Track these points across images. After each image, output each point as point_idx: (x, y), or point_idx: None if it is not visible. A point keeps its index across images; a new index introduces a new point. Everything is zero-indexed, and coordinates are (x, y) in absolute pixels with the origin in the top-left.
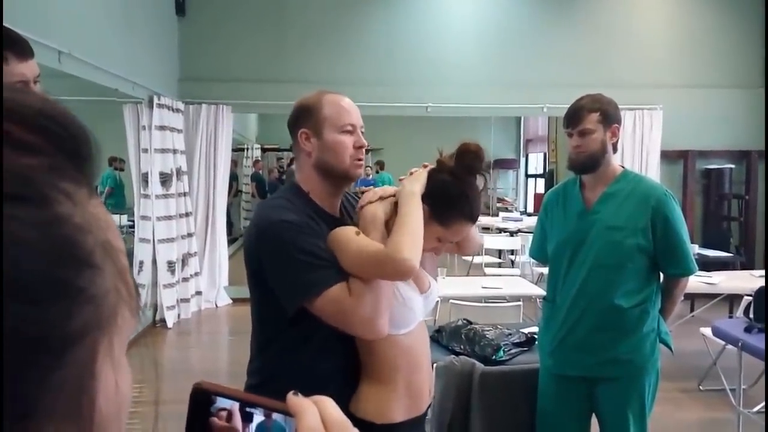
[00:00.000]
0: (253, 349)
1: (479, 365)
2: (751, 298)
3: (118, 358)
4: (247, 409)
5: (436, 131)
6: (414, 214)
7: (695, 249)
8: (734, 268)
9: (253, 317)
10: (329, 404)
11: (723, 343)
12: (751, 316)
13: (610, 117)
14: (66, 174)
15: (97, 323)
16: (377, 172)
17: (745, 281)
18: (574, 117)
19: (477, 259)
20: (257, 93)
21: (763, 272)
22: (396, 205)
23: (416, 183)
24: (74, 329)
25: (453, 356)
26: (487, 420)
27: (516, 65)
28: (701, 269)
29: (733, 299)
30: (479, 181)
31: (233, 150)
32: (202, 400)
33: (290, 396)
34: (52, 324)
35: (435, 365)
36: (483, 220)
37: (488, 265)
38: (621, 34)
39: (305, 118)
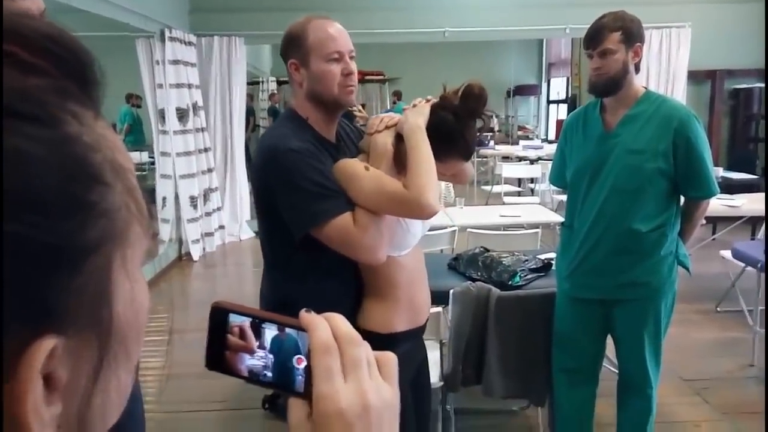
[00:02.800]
0: (264, 274)
1: (495, 290)
2: None
3: (132, 270)
4: (262, 325)
5: (454, 58)
6: (426, 150)
7: (719, 172)
8: (759, 191)
9: (263, 244)
10: (340, 320)
11: (743, 265)
12: None
13: (632, 36)
14: (72, 95)
15: (111, 236)
16: (394, 103)
17: None
18: (594, 37)
19: (496, 188)
20: (270, 23)
21: None
22: (398, 135)
23: (420, 116)
24: (90, 240)
25: (469, 282)
26: (503, 343)
27: None
28: (725, 192)
29: (756, 222)
30: (478, 123)
31: (248, 83)
32: (220, 318)
33: (303, 312)
34: (67, 234)
35: (452, 291)
36: (503, 148)
37: (507, 194)
38: None
39: (292, 47)
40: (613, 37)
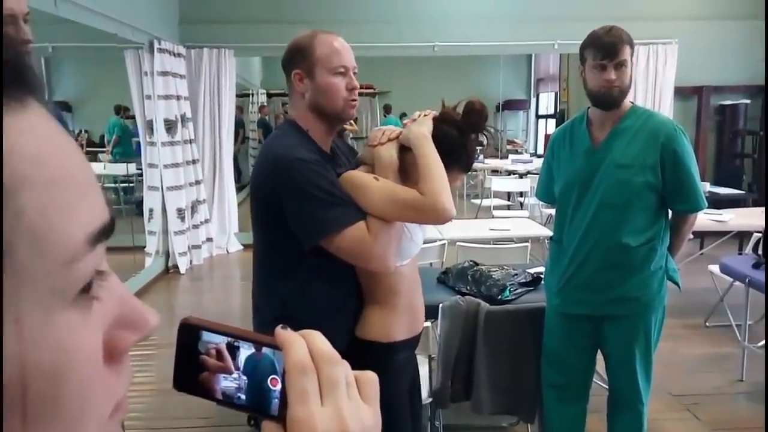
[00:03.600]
0: (260, 287)
1: (484, 305)
2: (760, 234)
3: (27, 309)
4: (235, 344)
5: (444, 72)
6: (435, 157)
7: (706, 187)
8: (746, 206)
9: (262, 254)
10: (317, 337)
11: (730, 279)
12: (760, 252)
13: (633, 50)
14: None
15: None
16: (384, 116)
17: (755, 218)
18: (612, 48)
19: (486, 202)
20: (260, 35)
21: None
22: (401, 147)
23: (424, 127)
24: None
25: (459, 296)
26: (492, 358)
27: None
28: (712, 207)
29: (743, 237)
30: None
31: (238, 96)
32: (190, 335)
33: (278, 330)
34: None
35: (441, 305)
36: (492, 162)
37: (497, 207)
38: None
39: (298, 58)
40: (626, 50)
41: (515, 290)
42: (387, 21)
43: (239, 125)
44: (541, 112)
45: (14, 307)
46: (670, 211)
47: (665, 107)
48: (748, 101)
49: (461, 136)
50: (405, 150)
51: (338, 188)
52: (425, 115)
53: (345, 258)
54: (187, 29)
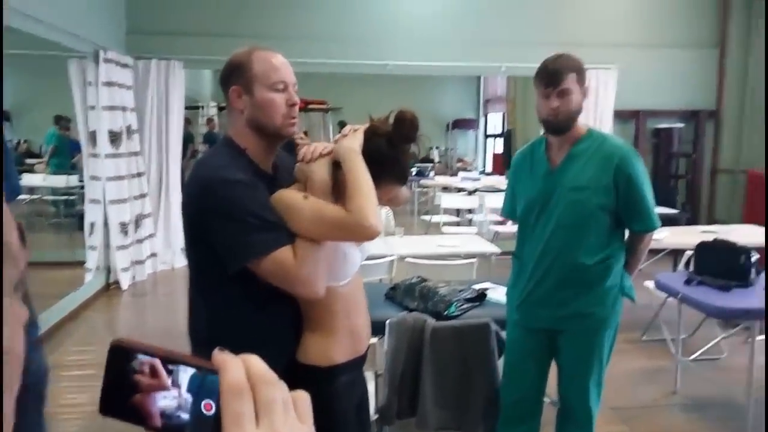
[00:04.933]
0: (194, 308)
1: (431, 320)
2: (692, 252)
3: None
4: (170, 367)
5: (396, 90)
6: (364, 173)
7: None
8: (679, 224)
9: (192, 277)
10: (254, 360)
11: (665, 295)
12: (692, 269)
13: (583, 77)
14: None
15: None
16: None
17: (687, 236)
18: (554, 77)
19: (435, 218)
20: (210, 48)
21: (705, 227)
22: (333, 163)
23: (354, 141)
24: None
25: (406, 312)
26: (438, 374)
27: (475, 23)
28: None
29: (676, 255)
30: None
31: (188, 108)
32: (122, 358)
33: (215, 352)
34: None
35: (387, 321)
36: (441, 180)
37: (446, 224)
38: None
39: (236, 74)
40: (570, 78)
41: (461, 306)
42: (341, 39)
43: (188, 139)
44: (489, 132)
45: None
46: (627, 231)
47: (606, 129)
48: (681, 125)
49: (392, 148)
50: (338, 166)
51: (269, 210)
52: (355, 130)
53: (271, 281)
54: (135, 39)
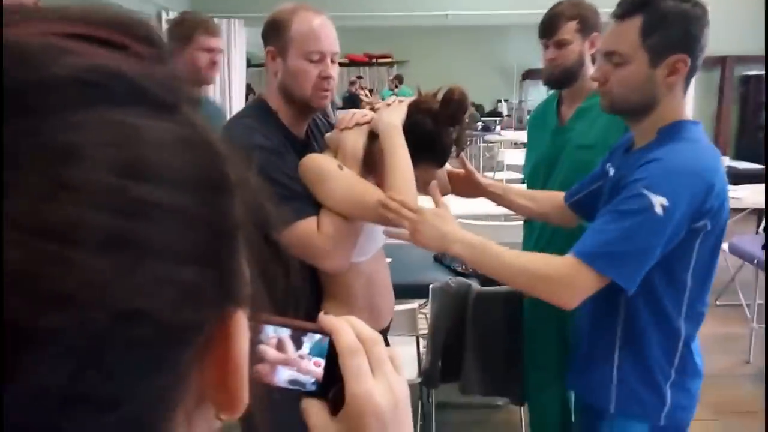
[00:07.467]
0: None
1: (475, 286)
2: None
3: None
4: (279, 332)
5: (461, 43)
6: (403, 154)
7: (725, 161)
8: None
9: None
10: (359, 322)
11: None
12: None
13: (589, 25)
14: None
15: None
16: (396, 87)
17: None
18: (549, 26)
19: (499, 176)
20: (271, 5)
21: None
22: (371, 134)
23: (396, 115)
24: (238, 218)
25: (450, 277)
26: (481, 340)
27: None
28: (730, 183)
29: (760, 214)
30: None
31: (252, 66)
32: None
33: (322, 316)
34: (229, 212)
35: (431, 287)
36: (509, 134)
37: (510, 181)
38: None
39: (273, 34)
40: (569, 27)
41: None
42: None
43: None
44: None
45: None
46: None
47: None
48: None
49: (436, 128)
50: (374, 138)
51: (294, 179)
52: (400, 102)
53: (295, 253)
54: None
